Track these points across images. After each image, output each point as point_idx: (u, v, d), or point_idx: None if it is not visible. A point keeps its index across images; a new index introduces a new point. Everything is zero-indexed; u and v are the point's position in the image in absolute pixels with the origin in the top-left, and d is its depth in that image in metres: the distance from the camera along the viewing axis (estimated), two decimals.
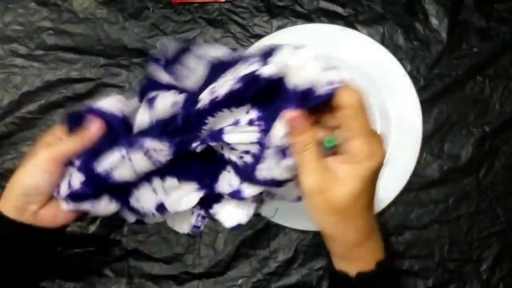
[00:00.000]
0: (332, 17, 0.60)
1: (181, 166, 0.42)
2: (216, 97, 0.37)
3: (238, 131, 0.38)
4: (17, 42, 0.61)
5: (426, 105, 0.59)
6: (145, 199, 0.43)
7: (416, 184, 0.58)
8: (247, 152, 0.39)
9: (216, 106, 0.38)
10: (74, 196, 0.41)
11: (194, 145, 0.40)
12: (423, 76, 0.59)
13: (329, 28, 0.59)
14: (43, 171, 0.41)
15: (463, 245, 0.58)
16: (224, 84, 0.38)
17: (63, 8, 0.61)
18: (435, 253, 0.58)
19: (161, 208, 0.43)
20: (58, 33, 0.61)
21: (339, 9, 0.61)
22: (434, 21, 0.60)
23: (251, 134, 0.38)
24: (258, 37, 0.60)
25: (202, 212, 0.46)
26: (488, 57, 0.60)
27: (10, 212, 0.41)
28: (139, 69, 0.61)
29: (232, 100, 0.38)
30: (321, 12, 0.61)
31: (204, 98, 0.38)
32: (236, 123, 0.39)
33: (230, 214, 0.44)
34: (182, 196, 0.43)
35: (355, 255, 0.38)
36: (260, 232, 0.59)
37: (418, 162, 0.58)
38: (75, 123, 0.42)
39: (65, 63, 0.61)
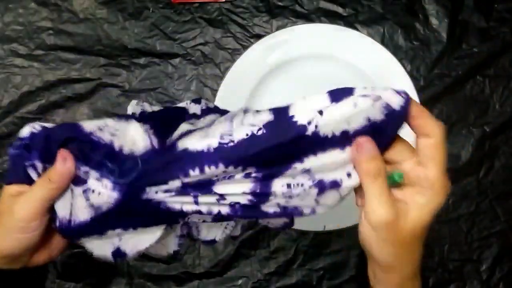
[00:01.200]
0: (332, 17, 0.60)
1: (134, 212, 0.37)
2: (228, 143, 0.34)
3: (232, 182, 0.35)
4: (17, 42, 0.61)
5: (426, 105, 0.59)
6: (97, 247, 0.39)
7: None
8: (236, 203, 0.36)
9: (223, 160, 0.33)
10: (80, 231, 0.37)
11: (156, 196, 0.36)
12: (423, 76, 0.59)
13: (329, 28, 0.59)
14: (26, 230, 0.37)
15: (463, 245, 0.58)
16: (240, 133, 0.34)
17: (63, 8, 0.61)
18: (435, 253, 0.58)
19: (118, 253, 0.39)
20: (58, 33, 0.61)
21: (339, 9, 0.61)
22: (434, 21, 0.60)
23: (245, 185, 0.35)
24: (258, 37, 0.60)
25: (179, 232, 0.42)
26: (488, 57, 0.60)
27: None
28: (139, 69, 0.61)
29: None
30: (321, 12, 0.61)
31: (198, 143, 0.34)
32: (229, 177, 0.35)
33: (206, 230, 0.42)
34: (142, 237, 0.39)
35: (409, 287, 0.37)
36: (260, 232, 0.59)
37: None
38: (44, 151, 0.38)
39: (65, 63, 0.61)
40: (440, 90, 0.59)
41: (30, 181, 0.39)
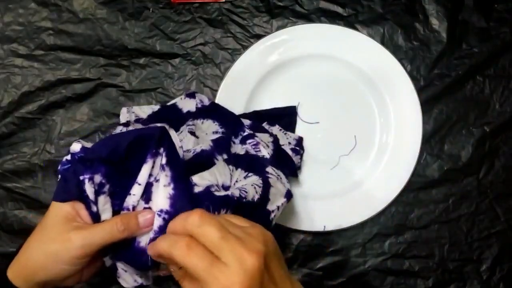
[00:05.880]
0: (332, 17, 0.60)
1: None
2: None
3: None
4: (17, 42, 0.61)
5: (426, 105, 0.59)
6: None
7: (416, 184, 0.58)
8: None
9: None
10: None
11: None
12: (423, 76, 0.59)
13: (329, 28, 0.59)
14: (74, 263, 0.37)
15: (463, 245, 0.58)
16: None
17: (63, 8, 0.61)
18: (435, 253, 0.58)
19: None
20: (58, 33, 0.61)
21: (339, 9, 0.61)
22: (434, 21, 0.60)
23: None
24: (258, 37, 0.60)
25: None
26: (488, 57, 0.59)
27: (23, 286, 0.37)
28: (139, 69, 0.61)
29: None
30: (321, 12, 0.61)
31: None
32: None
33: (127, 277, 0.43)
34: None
35: None
36: None
37: (418, 162, 0.58)
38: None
39: (65, 63, 0.61)
40: (440, 90, 0.59)
41: (83, 197, 0.38)
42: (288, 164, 0.53)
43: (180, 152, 0.41)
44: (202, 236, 0.32)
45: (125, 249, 0.40)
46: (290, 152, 0.54)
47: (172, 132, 0.41)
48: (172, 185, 0.39)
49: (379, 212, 0.57)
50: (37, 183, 0.59)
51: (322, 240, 0.58)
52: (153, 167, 0.40)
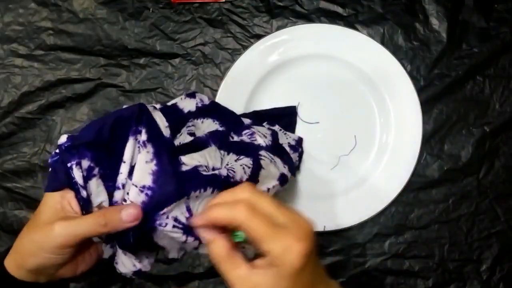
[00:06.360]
0: (332, 17, 0.60)
1: None
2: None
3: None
4: (17, 42, 0.61)
5: (426, 105, 0.59)
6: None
7: (416, 184, 0.58)
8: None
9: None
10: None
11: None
12: (423, 76, 0.59)
13: (329, 28, 0.59)
14: (56, 252, 0.37)
15: (463, 245, 0.58)
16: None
17: (63, 8, 0.61)
18: (435, 253, 0.58)
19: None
20: (58, 33, 0.61)
21: (339, 9, 0.61)
22: (434, 21, 0.60)
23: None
24: (258, 37, 0.60)
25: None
26: (488, 57, 0.60)
27: (22, 276, 0.38)
28: (139, 69, 0.61)
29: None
30: (321, 12, 0.61)
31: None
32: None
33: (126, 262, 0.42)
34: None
35: None
36: None
37: (418, 162, 0.58)
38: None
39: (65, 63, 0.61)
40: (440, 90, 0.59)
41: (72, 183, 0.38)
42: (287, 161, 0.53)
43: (166, 131, 0.41)
44: (258, 204, 0.34)
45: None
46: (288, 149, 0.54)
47: (156, 113, 0.42)
48: (155, 161, 0.39)
49: (379, 212, 0.57)
50: (37, 183, 0.59)
51: (322, 240, 0.58)
52: (137, 145, 0.40)
